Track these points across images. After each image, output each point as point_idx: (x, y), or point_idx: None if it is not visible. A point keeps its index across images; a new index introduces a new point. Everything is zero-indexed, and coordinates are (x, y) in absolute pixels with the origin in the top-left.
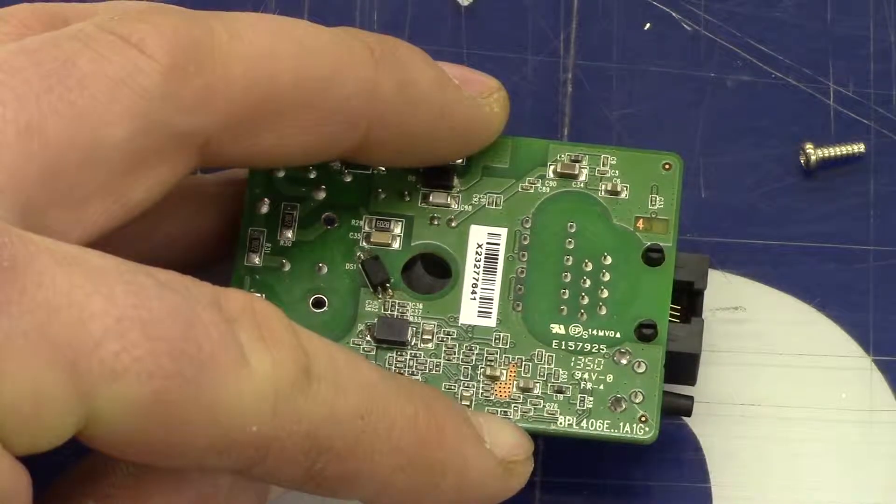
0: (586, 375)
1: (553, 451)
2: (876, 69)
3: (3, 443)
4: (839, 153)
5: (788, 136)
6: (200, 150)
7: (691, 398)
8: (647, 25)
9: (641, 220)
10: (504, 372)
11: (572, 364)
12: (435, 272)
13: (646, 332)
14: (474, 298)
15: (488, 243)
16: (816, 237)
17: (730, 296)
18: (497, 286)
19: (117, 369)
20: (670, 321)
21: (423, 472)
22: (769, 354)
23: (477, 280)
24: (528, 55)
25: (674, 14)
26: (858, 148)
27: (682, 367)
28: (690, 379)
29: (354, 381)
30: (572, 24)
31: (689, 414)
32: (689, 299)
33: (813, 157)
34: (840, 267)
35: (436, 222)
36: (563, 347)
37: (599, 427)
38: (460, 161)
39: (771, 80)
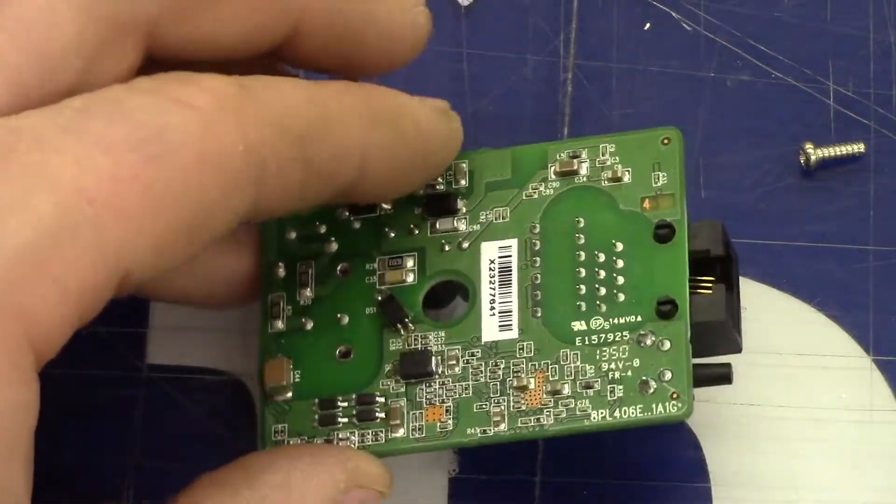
0: (613, 365)
1: (553, 451)
2: (876, 69)
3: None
4: (839, 153)
5: (788, 136)
6: (145, 37)
7: (728, 365)
8: (647, 25)
9: (647, 200)
10: (532, 380)
11: (598, 357)
12: (453, 296)
13: (664, 310)
14: (493, 314)
15: (500, 257)
16: (816, 237)
17: None
18: (514, 297)
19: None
20: (693, 293)
21: (390, 122)
22: (769, 354)
23: (494, 295)
24: (528, 55)
25: (674, 14)
26: (858, 148)
27: (715, 337)
28: (733, 346)
29: (284, 84)
30: (572, 24)
31: (729, 381)
32: (722, 266)
33: (813, 157)
34: (840, 267)
35: (446, 248)
36: (587, 343)
37: (633, 413)
38: (463, 184)
39: (771, 80)
